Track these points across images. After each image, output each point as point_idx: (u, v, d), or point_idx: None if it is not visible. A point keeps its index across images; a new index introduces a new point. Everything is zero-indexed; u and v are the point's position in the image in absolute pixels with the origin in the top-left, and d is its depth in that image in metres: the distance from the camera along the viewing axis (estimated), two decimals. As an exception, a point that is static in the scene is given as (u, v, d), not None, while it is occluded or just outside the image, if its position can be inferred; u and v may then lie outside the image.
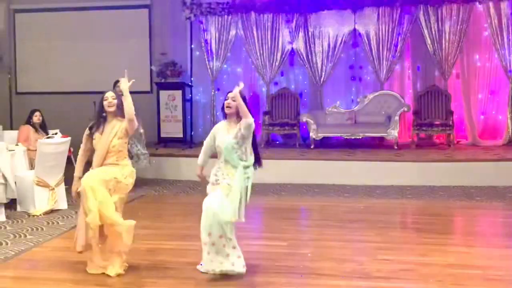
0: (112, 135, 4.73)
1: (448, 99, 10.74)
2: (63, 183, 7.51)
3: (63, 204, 7.44)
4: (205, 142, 4.76)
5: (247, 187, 4.54)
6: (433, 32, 10.82)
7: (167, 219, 7.01)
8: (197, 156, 4.89)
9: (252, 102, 11.81)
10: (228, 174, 4.52)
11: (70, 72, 12.08)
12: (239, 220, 4.52)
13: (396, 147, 10.27)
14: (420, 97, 10.93)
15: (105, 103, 4.77)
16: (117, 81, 8.88)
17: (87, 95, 11.36)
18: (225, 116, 4.64)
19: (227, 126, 4.61)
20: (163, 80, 11.36)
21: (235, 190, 4.44)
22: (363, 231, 6.17)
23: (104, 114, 4.82)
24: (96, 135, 4.82)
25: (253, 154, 4.60)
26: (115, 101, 4.79)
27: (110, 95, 4.83)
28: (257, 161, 4.64)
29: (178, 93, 11.11)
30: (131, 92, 4.69)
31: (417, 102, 10.97)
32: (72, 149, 7.97)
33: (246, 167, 4.52)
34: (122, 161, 4.79)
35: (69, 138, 7.64)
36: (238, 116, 4.53)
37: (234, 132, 4.50)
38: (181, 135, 10.99)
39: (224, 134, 4.56)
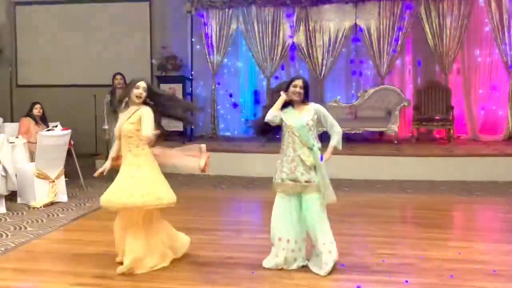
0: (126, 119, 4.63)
1: (448, 94, 10.73)
2: (63, 176, 7.52)
3: (63, 197, 7.45)
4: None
5: None
6: (434, 27, 10.80)
7: (168, 212, 6.97)
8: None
9: (252, 96, 11.82)
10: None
11: (71, 65, 12.07)
12: None
13: (396, 142, 10.27)
14: (421, 92, 10.92)
15: (136, 91, 4.55)
16: (116, 74, 8.92)
17: (88, 88, 11.39)
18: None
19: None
20: (163, 74, 11.35)
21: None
22: (363, 225, 6.18)
23: (126, 100, 4.65)
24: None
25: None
26: (145, 94, 4.60)
27: (142, 86, 4.59)
28: None
29: (178, 87, 11.11)
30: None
31: (417, 97, 10.96)
32: (72, 142, 7.98)
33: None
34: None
35: (69, 131, 7.63)
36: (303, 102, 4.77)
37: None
38: (181, 129, 10.96)
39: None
